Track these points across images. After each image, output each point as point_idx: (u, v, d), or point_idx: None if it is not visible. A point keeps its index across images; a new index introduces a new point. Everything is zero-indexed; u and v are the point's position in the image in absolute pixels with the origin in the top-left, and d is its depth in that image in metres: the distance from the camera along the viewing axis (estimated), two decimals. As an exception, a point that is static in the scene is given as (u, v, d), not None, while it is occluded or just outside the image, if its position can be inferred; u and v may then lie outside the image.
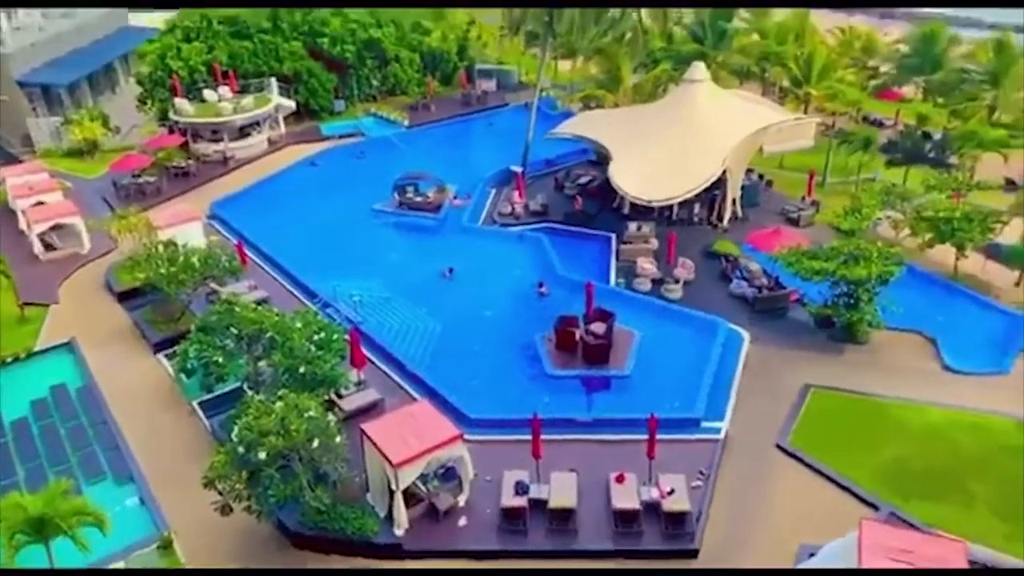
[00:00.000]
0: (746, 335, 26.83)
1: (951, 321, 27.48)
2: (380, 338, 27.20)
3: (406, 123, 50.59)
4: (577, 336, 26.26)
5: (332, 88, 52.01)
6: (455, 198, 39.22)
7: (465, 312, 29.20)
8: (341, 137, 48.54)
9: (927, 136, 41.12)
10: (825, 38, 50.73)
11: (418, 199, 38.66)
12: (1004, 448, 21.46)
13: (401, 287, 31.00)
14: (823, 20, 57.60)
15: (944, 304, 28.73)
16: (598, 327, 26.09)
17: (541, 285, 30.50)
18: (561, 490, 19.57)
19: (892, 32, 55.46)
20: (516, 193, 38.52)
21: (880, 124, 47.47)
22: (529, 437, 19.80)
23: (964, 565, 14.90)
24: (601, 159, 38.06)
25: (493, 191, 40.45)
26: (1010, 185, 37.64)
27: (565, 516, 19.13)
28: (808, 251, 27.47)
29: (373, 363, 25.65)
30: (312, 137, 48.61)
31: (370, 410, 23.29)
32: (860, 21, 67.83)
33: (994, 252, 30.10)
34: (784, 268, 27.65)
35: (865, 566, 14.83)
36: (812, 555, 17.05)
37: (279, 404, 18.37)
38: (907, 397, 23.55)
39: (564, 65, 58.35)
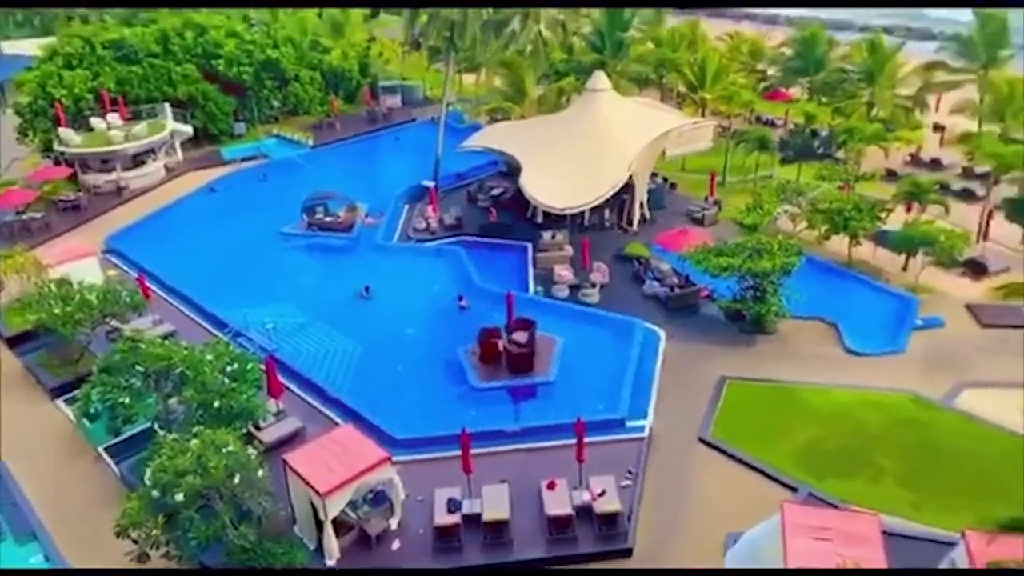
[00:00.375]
0: (662, 333, 27.59)
1: (849, 306, 29.12)
2: (297, 364, 26.44)
3: (310, 143, 49.62)
4: (500, 347, 26.31)
5: (231, 111, 50.48)
6: (367, 216, 38.69)
7: (386, 331, 28.77)
8: (243, 160, 47.13)
9: (815, 133, 43.60)
10: (716, 44, 53.11)
11: (328, 219, 37.91)
12: (904, 422, 22.86)
13: (317, 310, 30.25)
14: (713, 28, 60.39)
15: (842, 291, 30.45)
16: (520, 336, 26.23)
17: (461, 299, 30.42)
18: (494, 503, 19.48)
19: (776, 37, 58.71)
20: (430, 208, 38.37)
21: (772, 124, 50.03)
22: (459, 453, 19.65)
23: (878, 537, 15.72)
24: (512, 170, 38.45)
25: (406, 207, 40.18)
26: (891, 175, 40.36)
27: (499, 528, 19.05)
28: (714, 248, 28.55)
29: (291, 391, 24.87)
30: (213, 162, 46.96)
31: (292, 440, 22.54)
32: (746, 27, 71.49)
33: (882, 239, 32.12)
34: (693, 266, 28.64)
35: (789, 547, 15.43)
36: (729, 536, 17.67)
37: (194, 442, 17.51)
38: (815, 381, 24.76)
39: (469, 79, 58.76)
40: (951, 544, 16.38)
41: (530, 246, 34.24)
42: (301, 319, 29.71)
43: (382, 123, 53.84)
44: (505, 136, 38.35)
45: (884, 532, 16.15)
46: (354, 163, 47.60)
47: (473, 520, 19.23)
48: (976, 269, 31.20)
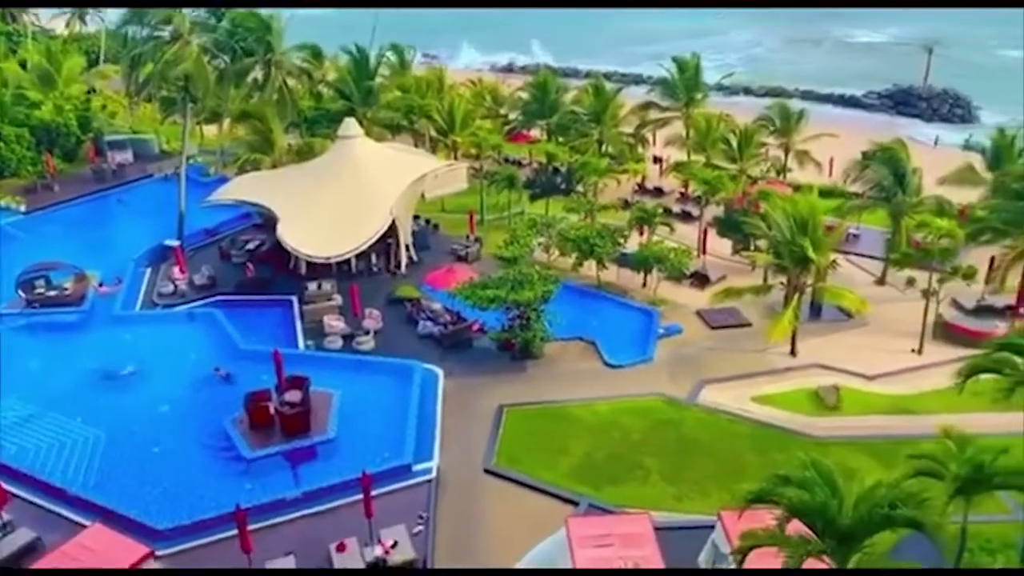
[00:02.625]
0: (440, 372, 27.89)
1: (604, 324, 31.77)
2: (24, 465, 22.57)
3: (23, 208, 43.32)
4: (271, 409, 24.76)
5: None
6: (101, 285, 34.51)
7: (136, 412, 25.69)
8: (-66, 234, 39.77)
9: (556, 171, 47.40)
10: (460, 91, 55.74)
11: (52, 293, 33.20)
12: (660, 423, 25.34)
13: (46, 399, 26.16)
14: (456, 75, 63.39)
15: (596, 311, 33.15)
16: (293, 395, 24.90)
17: (218, 369, 28.11)
18: (280, 578, 18.11)
19: (513, 83, 63.13)
20: (176, 269, 35.27)
21: (519, 163, 53.48)
22: (236, 532, 18.01)
23: (651, 534, 17.15)
24: (267, 221, 36.78)
25: (148, 271, 36.48)
26: (625, 204, 45.03)
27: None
28: (480, 283, 29.67)
29: (19, 498, 21.12)
30: None
31: (26, 554, 19.11)
32: (485, 74, 76.12)
33: (623, 261, 35.61)
34: (463, 302, 29.46)
35: (576, 557, 16.25)
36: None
37: None
38: (582, 397, 26.56)
39: (210, 130, 55.44)
40: (711, 527, 18.32)
41: (295, 299, 32.85)
42: (26, 411, 25.48)
43: (112, 181, 48.62)
44: (257, 187, 36.65)
45: (656, 528, 17.65)
46: (81, 227, 42.38)
47: (259, 602, 17.69)
48: (701, 280, 35.77)
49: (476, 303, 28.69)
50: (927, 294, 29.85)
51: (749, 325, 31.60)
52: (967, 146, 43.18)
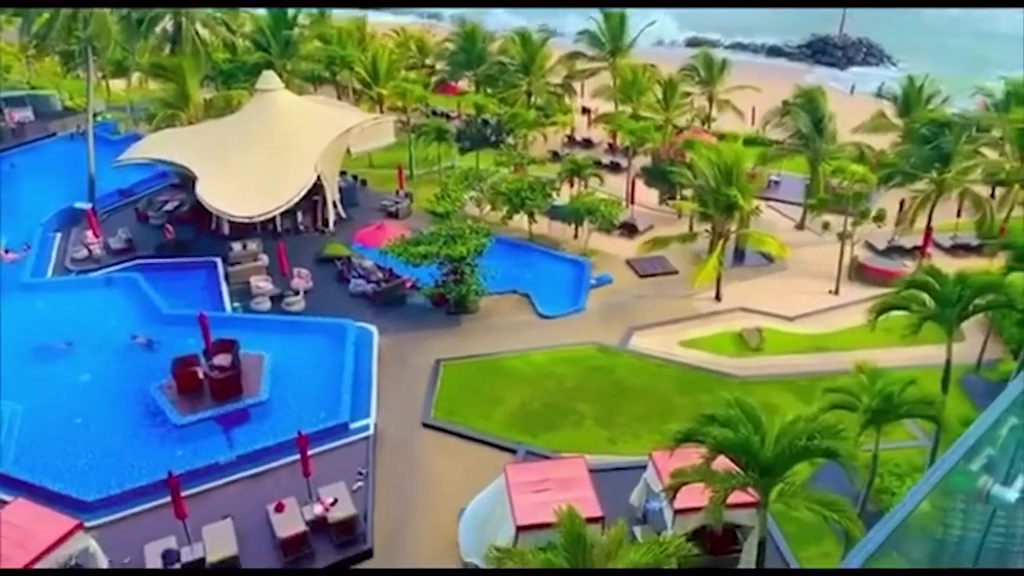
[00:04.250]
0: (374, 329, 27.67)
1: (537, 277, 32.05)
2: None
3: (-88, 172, 40.21)
4: (200, 374, 24.14)
5: None
6: (6, 252, 32.56)
7: (54, 383, 24.62)
8: None
9: (486, 123, 46.80)
10: (383, 41, 54.07)
11: (-48, 262, 31.18)
12: (593, 370, 25.96)
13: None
14: (379, 25, 61.39)
15: (529, 263, 33.36)
16: (222, 359, 24.31)
17: (136, 336, 27.06)
18: (217, 542, 17.92)
19: (439, 32, 61.62)
20: (90, 233, 33.52)
21: (447, 116, 52.54)
22: (169, 499, 17.68)
23: (586, 476, 17.70)
24: (185, 181, 35.23)
25: (59, 236, 34.55)
26: (554, 156, 45.03)
27: (228, 567, 17.61)
28: (412, 239, 29.35)
29: (-68, 478, 20.14)
30: None
31: (-57, 536, 18.25)
32: (410, 22, 73.94)
33: (555, 213, 35.79)
34: (395, 259, 29.13)
35: (515, 503, 16.65)
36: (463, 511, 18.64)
37: None
38: (517, 348, 26.90)
39: (118, 84, 52.34)
40: (643, 467, 19.03)
41: (220, 261, 31.79)
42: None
43: (11, 141, 45.49)
44: (173, 144, 34.94)
45: (591, 470, 18.22)
46: (-21, 191, 39.61)
47: (198, 566, 17.50)
48: (630, 230, 36.35)
49: (408, 259, 28.43)
50: (842, 237, 31.21)
51: (676, 272, 32.44)
52: (880, 94, 44.70)
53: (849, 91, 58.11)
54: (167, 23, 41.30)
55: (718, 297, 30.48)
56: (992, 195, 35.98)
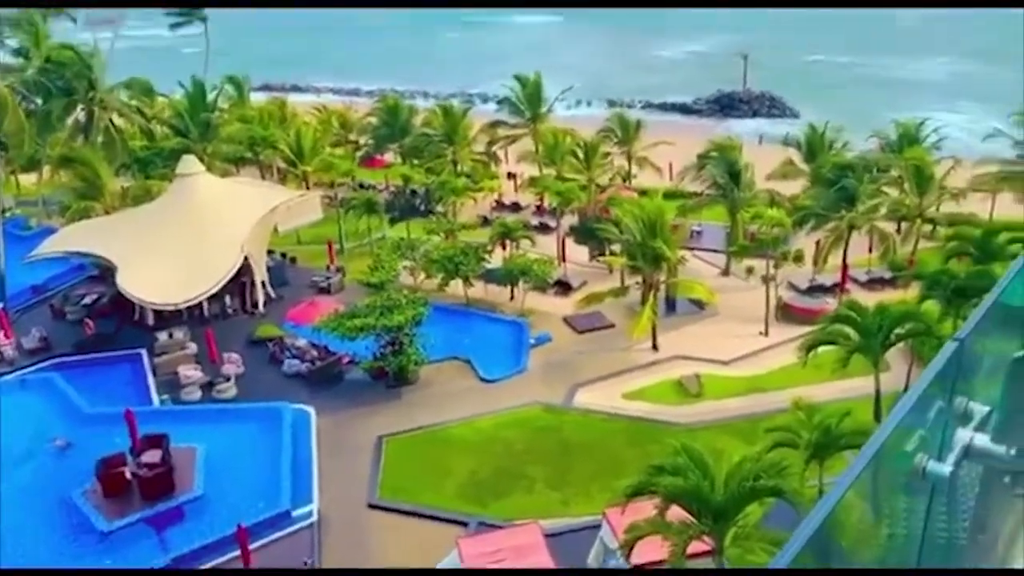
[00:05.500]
0: (312, 410, 26.83)
1: (476, 341, 31.90)
2: None
3: None
4: (128, 474, 22.78)
5: None
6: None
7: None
8: None
9: (414, 193, 47.30)
10: (306, 119, 54.41)
11: None
12: (540, 431, 25.75)
13: None
14: (300, 104, 61.94)
15: (467, 328, 33.23)
16: (151, 456, 23.05)
17: (55, 439, 25.49)
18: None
19: (361, 108, 62.46)
20: (0, 334, 31.74)
21: (375, 188, 52.80)
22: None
23: (541, 542, 17.34)
24: (105, 272, 33.99)
25: (-33, 340, 32.60)
26: (485, 221, 45.58)
27: None
28: (346, 313, 28.93)
29: None
30: None
31: None
32: (331, 100, 74.89)
33: (489, 276, 35.98)
34: (329, 335, 28.57)
35: (471, 579, 16.10)
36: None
37: None
38: (462, 416, 26.49)
39: (28, 178, 50.72)
40: (598, 526, 18.78)
41: (145, 352, 30.51)
42: None
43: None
44: (89, 235, 33.83)
45: (545, 535, 17.86)
46: None
47: None
48: (564, 287, 36.82)
49: (344, 334, 27.92)
50: (766, 280, 32.40)
51: (613, 326, 32.87)
52: (786, 143, 47.39)
53: (758, 141, 61.38)
54: (79, 113, 40.54)
55: (655, 347, 30.96)
56: (898, 230, 38.18)
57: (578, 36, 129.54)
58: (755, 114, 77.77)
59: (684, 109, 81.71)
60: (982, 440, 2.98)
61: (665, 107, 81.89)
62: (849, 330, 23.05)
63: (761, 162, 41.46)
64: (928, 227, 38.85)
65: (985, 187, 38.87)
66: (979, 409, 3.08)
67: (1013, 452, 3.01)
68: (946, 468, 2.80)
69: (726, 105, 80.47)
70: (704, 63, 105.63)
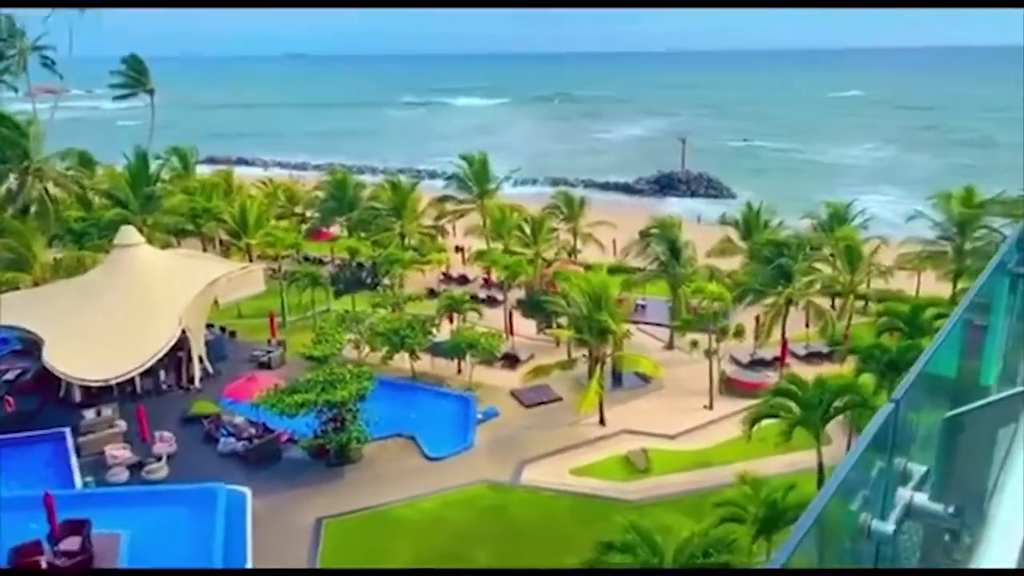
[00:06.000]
0: (248, 491, 25.55)
1: (421, 416, 31.24)
2: None
3: None
4: (44, 564, 21.07)
5: None
6: None
7: None
8: None
9: (360, 266, 47.05)
10: (252, 191, 54.18)
11: None
12: (486, 511, 25.05)
13: None
14: (246, 177, 61.76)
15: (413, 403, 32.56)
16: (70, 543, 21.43)
17: None
18: None
19: (308, 182, 62.62)
20: (-90, 413, 29.65)
21: (320, 261, 52.41)
22: None
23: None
24: (30, 346, 32.36)
25: None
26: (432, 294, 45.54)
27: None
28: (287, 388, 28.03)
29: None
30: None
31: None
32: (277, 174, 74.93)
33: (436, 349, 35.65)
34: (268, 411, 27.55)
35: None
36: None
37: None
38: (405, 496, 25.61)
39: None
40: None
41: (69, 431, 28.80)
42: None
43: None
44: (16, 307, 32.29)
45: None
46: None
47: None
48: (511, 360, 36.70)
49: (283, 411, 26.94)
50: (709, 354, 32.98)
51: (560, 399, 32.73)
52: (723, 221, 49.29)
53: (696, 220, 63.66)
54: (11, 182, 39.47)
55: (602, 421, 30.87)
56: (832, 305, 39.67)
57: (521, 118, 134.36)
58: (693, 194, 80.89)
59: (626, 188, 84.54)
60: (921, 499, 3.02)
61: (607, 186, 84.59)
62: (791, 403, 23.49)
63: (700, 239, 42.89)
64: (860, 303, 40.52)
65: (910, 265, 41.02)
66: (917, 469, 3.14)
67: (951, 510, 3.06)
68: (889, 527, 2.82)
69: (666, 185, 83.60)
70: (644, 146, 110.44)
